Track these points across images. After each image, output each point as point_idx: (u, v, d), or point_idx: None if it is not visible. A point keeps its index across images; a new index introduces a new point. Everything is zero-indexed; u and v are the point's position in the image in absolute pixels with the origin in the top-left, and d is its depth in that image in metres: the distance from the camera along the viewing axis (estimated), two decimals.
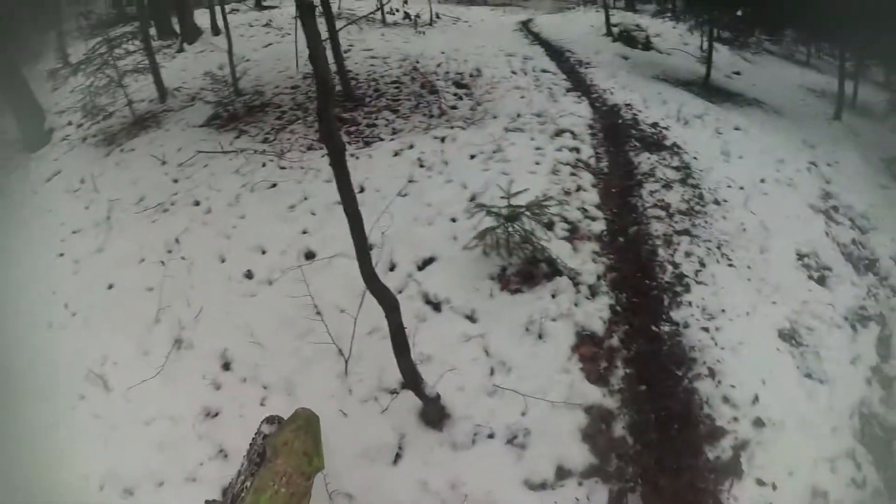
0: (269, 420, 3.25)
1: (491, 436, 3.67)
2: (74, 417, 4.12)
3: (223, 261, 5.06)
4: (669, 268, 4.81)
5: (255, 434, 3.20)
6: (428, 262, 4.69)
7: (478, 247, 4.53)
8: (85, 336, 4.71)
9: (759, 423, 3.86)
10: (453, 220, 5.02)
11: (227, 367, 4.22)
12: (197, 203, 5.90)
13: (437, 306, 4.30)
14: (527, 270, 4.50)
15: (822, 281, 5.22)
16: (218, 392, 4.09)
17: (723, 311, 4.54)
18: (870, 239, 6.09)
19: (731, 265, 4.99)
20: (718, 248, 5.10)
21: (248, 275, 4.85)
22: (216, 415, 3.97)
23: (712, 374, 4.09)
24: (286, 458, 2.91)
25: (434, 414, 3.70)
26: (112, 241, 5.71)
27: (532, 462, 3.56)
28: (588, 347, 4.08)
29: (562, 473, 3.53)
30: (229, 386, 4.12)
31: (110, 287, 5.13)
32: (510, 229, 4.36)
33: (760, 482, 3.63)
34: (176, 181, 6.39)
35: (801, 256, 5.36)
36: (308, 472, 2.95)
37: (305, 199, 5.55)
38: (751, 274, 4.99)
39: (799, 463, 3.73)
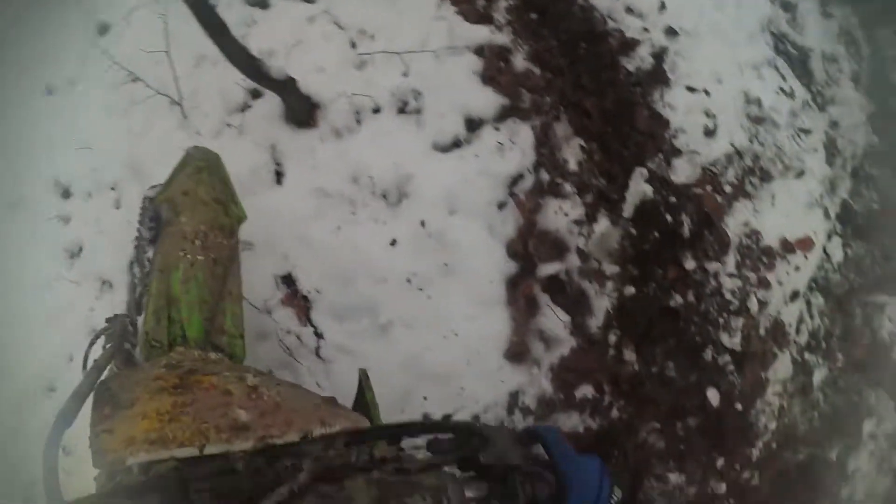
0: (152, 188, 2.21)
1: (377, 110, 2.95)
2: None
3: None
4: None
5: (140, 213, 2.18)
6: None
7: None
8: None
9: (671, 31, 3.37)
10: None
11: (66, 194, 3.30)
12: None
13: (262, 2, 3.32)
14: None
15: None
16: (68, 226, 3.21)
17: None
18: None
19: None
20: None
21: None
22: (79, 252, 3.14)
23: None
24: (192, 214, 1.83)
25: (299, 106, 2.88)
26: None
27: (435, 123, 2.92)
28: None
29: (472, 125, 2.92)
30: (76, 211, 3.23)
31: None
32: None
33: (691, 89, 3.24)
34: None
35: None
36: (228, 226, 1.90)
37: None
38: None
39: (725, 70, 3.38)
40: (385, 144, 2.84)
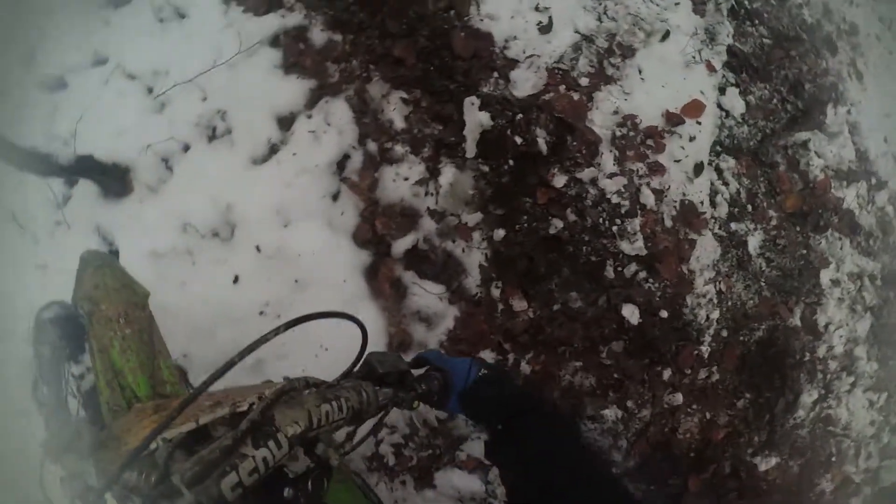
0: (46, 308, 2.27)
1: (187, 148, 2.77)
2: None
3: None
4: None
5: (35, 334, 2.18)
6: None
7: None
8: None
9: None
10: None
11: None
12: None
13: (58, 84, 3.10)
14: None
15: None
16: None
17: None
18: None
19: None
20: None
21: None
22: None
23: None
24: (109, 301, 2.07)
25: (107, 179, 2.74)
26: None
27: (247, 137, 2.74)
28: None
29: (285, 122, 2.72)
30: None
31: None
32: None
33: None
34: None
35: None
36: (140, 302, 2.16)
37: None
38: None
39: None
40: (200, 181, 2.66)
